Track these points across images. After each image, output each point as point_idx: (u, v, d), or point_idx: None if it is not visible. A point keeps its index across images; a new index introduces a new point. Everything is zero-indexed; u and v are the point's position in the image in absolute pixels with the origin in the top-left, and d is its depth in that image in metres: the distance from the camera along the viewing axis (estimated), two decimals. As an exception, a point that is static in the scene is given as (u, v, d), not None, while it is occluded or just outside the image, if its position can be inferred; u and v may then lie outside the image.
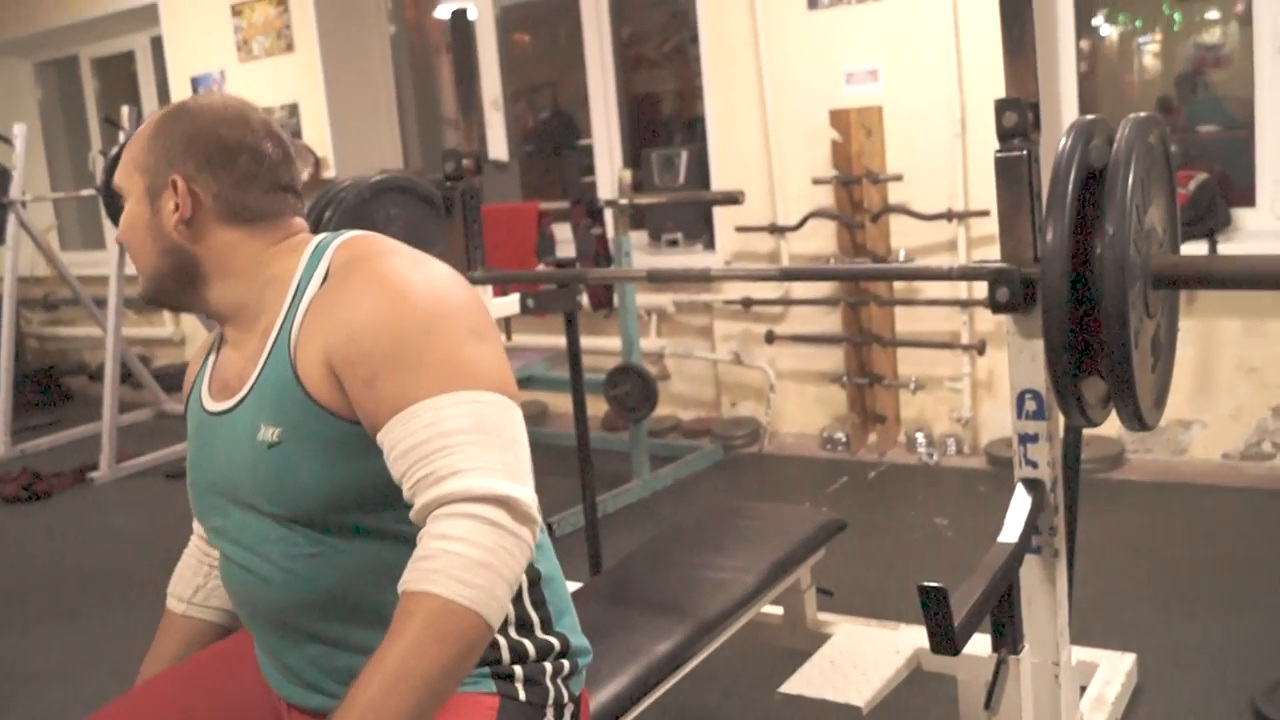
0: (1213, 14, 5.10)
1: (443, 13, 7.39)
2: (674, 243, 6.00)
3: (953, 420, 5.27)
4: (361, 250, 1.69)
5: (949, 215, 4.97)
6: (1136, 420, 2.04)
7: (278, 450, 1.60)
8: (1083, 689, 2.80)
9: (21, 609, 4.40)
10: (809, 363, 5.61)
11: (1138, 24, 5.33)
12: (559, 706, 1.73)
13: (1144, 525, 4.27)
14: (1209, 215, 4.61)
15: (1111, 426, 2.82)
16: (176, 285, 1.74)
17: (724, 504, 3.25)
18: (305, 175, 6.93)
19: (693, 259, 5.93)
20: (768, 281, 5.42)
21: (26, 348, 8.96)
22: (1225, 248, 4.60)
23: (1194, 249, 4.53)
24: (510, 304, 3.56)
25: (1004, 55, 2.20)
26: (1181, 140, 5.08)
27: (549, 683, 1.73)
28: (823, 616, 3.05)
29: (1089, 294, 1.95)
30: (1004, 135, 2.14)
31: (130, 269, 6.34)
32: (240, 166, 1.70)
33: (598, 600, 2.53)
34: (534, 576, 1.74)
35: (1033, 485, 2.23)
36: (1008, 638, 2.18)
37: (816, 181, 5.24)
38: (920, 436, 5.28)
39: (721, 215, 5.77)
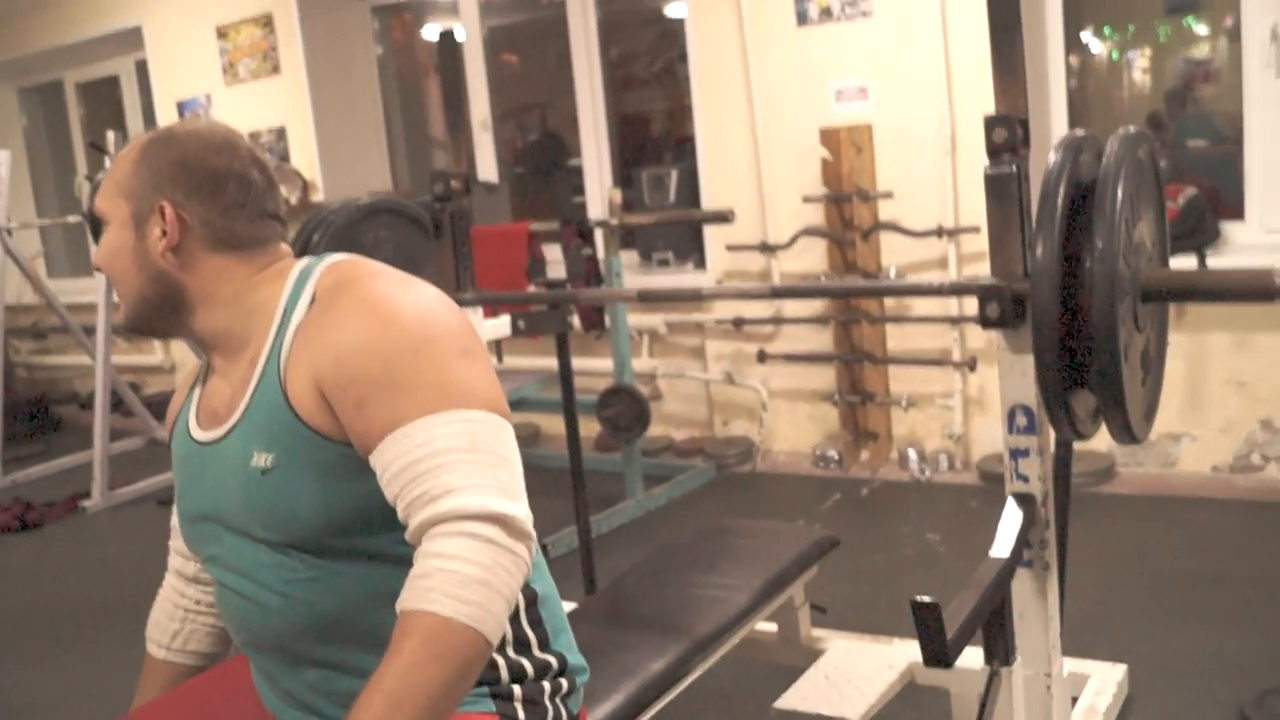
0: (1202, 29, 5.13)
1: (430, 34, 7.42)
2: (665, 262, 6.01)
3: (945, 436, 5.28)
4: (347, 273, 1.68)
5: (939, 232, 4.99)
6: (1126, 434, 2.05)
7: (271, 476, 1.59)
8: (1074, 700, 2.81)
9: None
10: (801, 381, 5.61)
11: (1127, 39, 5.35)
12: (558, 726, 1.73)
13: (1134, 538, 4.27)
14: (1198, 229, 4.63)
15: (1102, 440, 2.84)
16: (160, 313, 1.73)
17: (717, 523, 3.26)
18: (293, 199, 6.94)
19: (684, 278, 5.94)
20: (759, 300, 5.42)
21: (15, 377, 8.92)
22: (1214, 262, 4.62)
23: (1183, 263, 4.55)
24: (501, 325, 3.56)
25: (993, 72, 2.21)
26: (1171, 155, 5.10)
27: (547, 702, 1.73)
28: (816, 632, 3.05)
29: (1079, 309, 1.96)
30: (993, 151, 2.15)
31: (119, 297, 6.34)
32: (228, 194, 1.69)
33: (593, 620, 2.54)
34: (530, 596, 1.74)
35: (1024, 499, 2.24)
36: (1000, 650, 2.19)
37: (807, 199, 5.25)
38: (912, 453, 5.29)
39: (712, 234, 5.78)
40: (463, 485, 1.47)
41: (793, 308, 5.47)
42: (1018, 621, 2.27)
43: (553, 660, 1.75)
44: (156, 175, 1.68)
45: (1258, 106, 4.62)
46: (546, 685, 1.73)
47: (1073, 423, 2.07)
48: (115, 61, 8.44)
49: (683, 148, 6.38)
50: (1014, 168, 2.14)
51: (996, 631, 2.17)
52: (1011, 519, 2.19)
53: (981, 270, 4.76)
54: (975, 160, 3.91)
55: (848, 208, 5.15)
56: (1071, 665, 2.83)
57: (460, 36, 6.62)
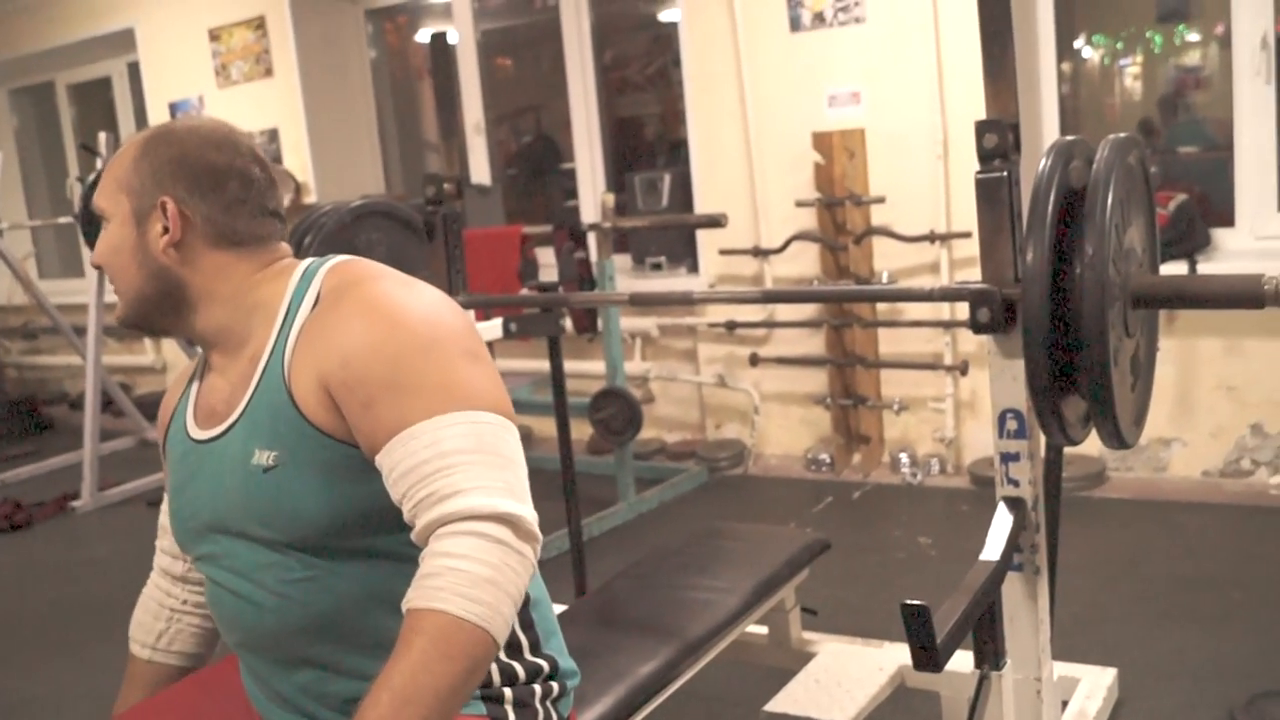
0: (1193, 36, 5.15)
1: (424, 37, 7.42)
2: (657, 266, 6.01)
3: (936, 440, 5.29)
4: (352, 275, 1.68)
5: (931, 237, 5.00)
6: (1116, 439, 2.06)
7: (274, 474, 1.59)
8: (1065, 704, 2.82)
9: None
10: (793, 385, 5.62)
11: (1119, 46, 5.37)
12: (548, 729, 1.74)
13: (1125, 542, 4.28)
14: (1188, 235, 4.64)
15: (1092, 445, 2.85)
16: (159, 309, 1.73)
17: (709, 525, 3.26)
18: (286, 201, 6.93)
19: (676, 282, 5.94)
20: (751, 304, 5.43)
21: (6, 377, 8.92)
22: (1205, 267, 4.63)
23: (1174, 269, 4.56)
24: (493, 328, 3.56)
25: (984, 77, 2.21)
26: (1161, 161, 5.12)
27: (538, 705, 1.73)
28: (807, 635, 3.06)
29: (1069, 314, 1.96)
30: (984, 157, 2.15)
31: (110, 297, 6.31)
32: (230, 191, 1.69)
33: (583, 622, 2.53)
34: (523, 599, 1.74)
35: (1014, 504, 2.24)
36: (990, 654, 2.19)
37: (799, 204, 5.26)
38: (904, 457, 5.29)
39: (705, 238, 5.79)
40: (471, 486, 1.47)
41: (785, 312, 5.48)
42: (1008, 625, 2.28)
43: (544, 664, 1.76)
44: (157, 172, 1.68)
45: (1248, 113, 4.64)
46: (538, 688, 1.74)
47: (1063, 428, 2.07)
48: (107, 63, 8.43)
49: (676, 152, 6.39)
50: (1005, 173, 2.14)
51: (987, 635, 2.17)
52: (1002, 523, 2.19)
53: (973, 275, 4.77)
54: (967, 165, 3.90)
55: (840, 212, 5.16)
56: (1062, 669, 2.83)
57: (453, 39, 6.63)
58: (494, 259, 5.00)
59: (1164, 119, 5.26)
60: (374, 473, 1.55)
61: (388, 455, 1.51)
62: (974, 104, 3.12)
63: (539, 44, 6.97)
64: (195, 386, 1.81)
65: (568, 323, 5.16)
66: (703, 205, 5.73)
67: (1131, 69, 5.41)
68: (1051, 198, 1.96)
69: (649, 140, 6.81)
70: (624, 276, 5.88)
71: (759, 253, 5.46)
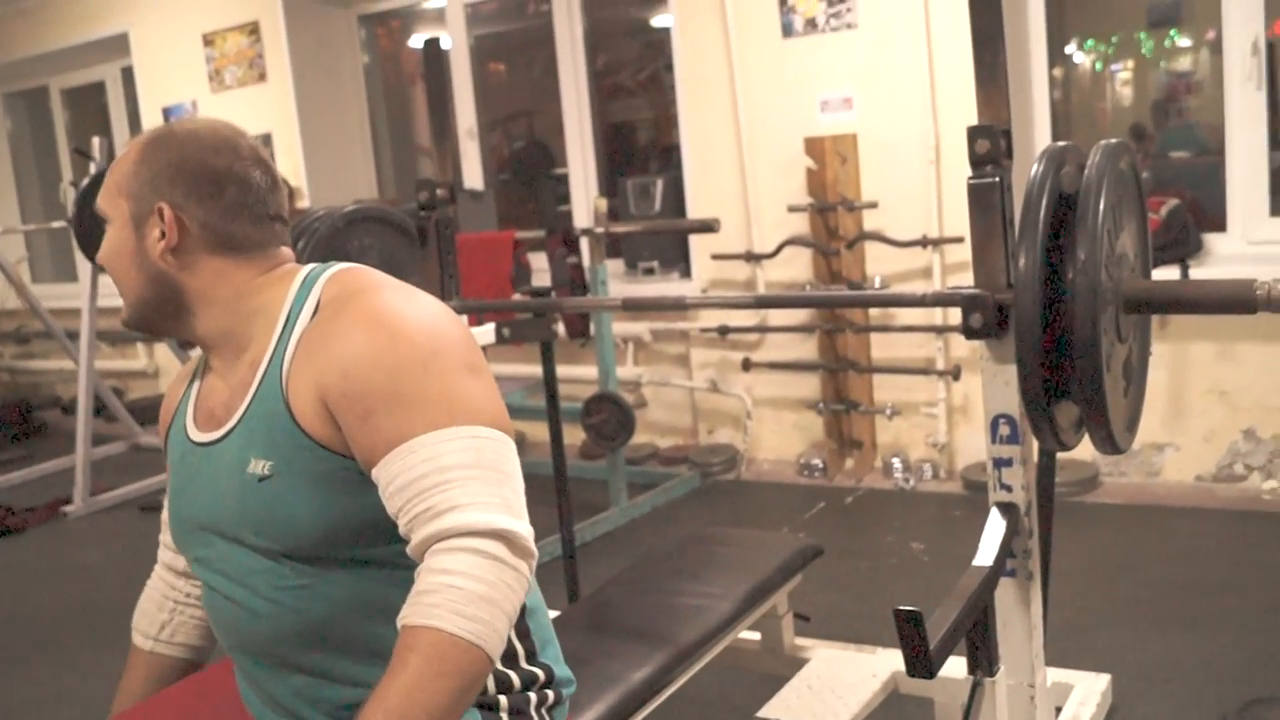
0: (1184, 42, 5.15)
1: (416, 42, 7.42)
2: (650, 271, 6.01)
3: (928, 445, 5.29)
4: (353, 284, 1.67)
5: (924, 242, 5.00)
6: (1109, 444, 2.05)
7: (269, 483, 1.59)
8: (1058, 710, 2.81)
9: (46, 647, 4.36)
10: (786, 389, 5.62)
11: (1109, 51, 5.37)
12: (543, 737, 1.73)
13: (1118, 547, 4.28)
14: (1181, 240, 4.65)
15: (1085, 450, 2.84)
16: (160, 313, 1.73)
17: (701, 531, 3.26)
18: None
19: (669, 287, 5.94)
20: (744, 309, 5.43)
21: (-1, 381, 8.93)
22: (1197, 272, 4.64)
23: (1166, 274, 4.56)
24: (486, 333, 3.55)
25: (976, 83, 2.22)
26: (1153, 166, 5.12)
27: (533, 713, 1.73)
28: (800, 641, 3.05)
29: (1062, 319, 1.96)
30: (976, 162, 2.16)
31: (103, 301, 6.34)
32: (228, 195, 1.68)
33: (576, 628, 2.53)
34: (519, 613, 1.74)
35: (1007, 509, 2.24)
36: (983, 660, 2.19)
37: (792, 209, 5.26)
38: (896, 462, 5.29)
39: (697, 243, 5.79)
40: (468, 502, 1.46)
41: (778, 316, 5.48)
42: (1001, 631, 2.27)
43: (539, 672, 1.75)
44: (155, 176, 1.67)
45: (1239, 118, 4.64)
46: (533, 696, 1.74)
47: (1056, 433, 2.07)
48: (101, 67, 8.44)
49: (668, 157, 6.38)
50: (997, 178, 2.14)
51: (980, 641, 2.17)
52: (995, 528, 2.19)
53: (965, 280, 4.78)
54: (959, 171, 3.90)
55: (832, 217, 5.16)
56: (1055, 675, 2.84)
57: (446, 44, 6.62)
58: (487, 264, 4.99)
59: (1155, 124, 5.27)
60: (368, 485, 1.54)
61: (385, 468, 1.51)
62: (966, 109, 3.13)
63: (532, 49, 6.97)
64: (196, 386, 1.80)
65: (560, 328, 5.16)
66: (695, 210, 5.73)
67: (1123, 74, 5.41)
68: (1044, 203, 1.96)
69: (641, 145, 6.81)
70: (616, 281, 5.88)
71: (751, 258, 5.46)
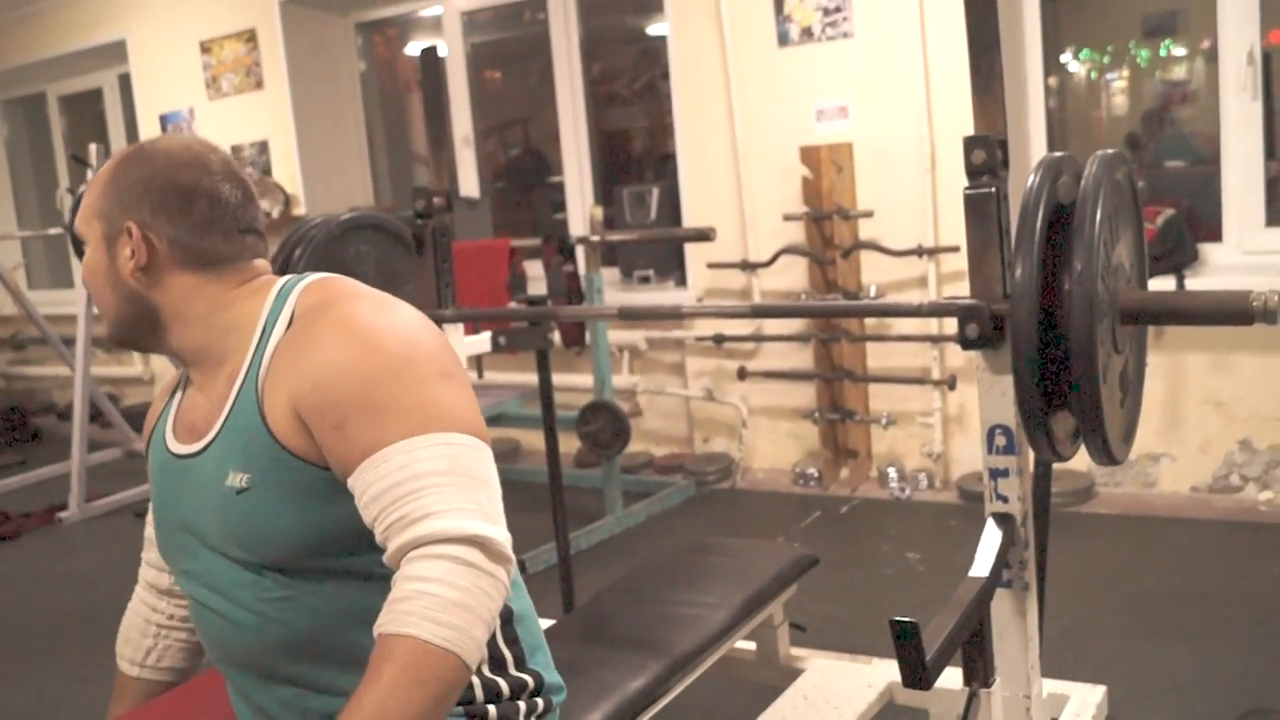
0: (1179, 51, 5.15)
1: (413, 50, 7.42)
2: (645, 279, 6.01)
3: (924, 455, 5.29)
4: (327, 294, 1.67)
5: (919, 251, 5.00)
6: (1105, 454, 2.05)
7: (246, 496, 1.59)
8: (1054, 721, 2.81)
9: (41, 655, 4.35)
10: (781, 398, 5.62)
11: (1105, 60, 5.37)
12: (533, 745, 1.73)
13: (1114, 558, 4.28)
14: (1176, 251, 4.65)
15: (1081, 460, 2.84)
16: (138, 330, 1.73)
17: (697, 540, 3.25)
18: (275, 213, 6.92)
19: (664, 295, 5.94)
20: (739, 318, 5.43)
21: (-6, 387, 8.92)
22: (1193, 283, 4.64)
23: (1162, 284, 4.57)
24: (482, 342, 3.55)
25: (972, 93, 2.21)
26: (1149, 176, 5.12)
27: None
28: (795, 652, 3.04)
29: (1058, 329, 1.96)
30: (973, 172, 2.15)
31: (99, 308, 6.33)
32: (197, 211, 1.68)
33: (571, 637, 2.52)
34: (506, 614, 1.73)
35: (1003, 520, 2.23)
36: (979, 671, 2.18)
37: (787, 218, 5.26)
38: (892, 471, 5.29)
39: (693, 252, 5.79)
40: (443, 508, 1.46)
41: (773, 325, 5.48)
42: (997, 642, 2.27)
43: (528, 679, 1.75)
44: (124, 195, 1.67)
45: (1235, 128, 4.65)
46: (522, 705, 1.73)
47: (1052, 444, 2.07)
48: (98, 74, 8.43)
49: (664, 165, 6.39)
50: (993, 188, 2.14)
51: (976, 652, 2.16)
52: (991, 539, 2.18)
53: (961, 289, 4.77)
54: (955, 180, 3.91)
55: (828, 226, 5.16)
56: (1051, 686, 2.82)
57: (443, 52, 6.63)
58: (482, 272, 4.99)
59: (1150, 133, 5.27)
60: (346, 495, 1.53)
61: (360, 477, 1.50)
62: (961, 118, 3.14)
63: (527, 57, 6.97)
64: (178, 398, 1.80)
65: (556, 336, 5.16)
66: (691, 219, 5.73)
67: (1118, 83, 5.42)
68: (1040, 213, 1.96)
69: (637, 154, 6.81)
70: (612, 290, 5.88)
71: (747, 266, 5.46)
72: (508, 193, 7.25)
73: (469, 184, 6.73)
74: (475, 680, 1.68)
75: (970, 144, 2.14)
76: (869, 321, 5.26)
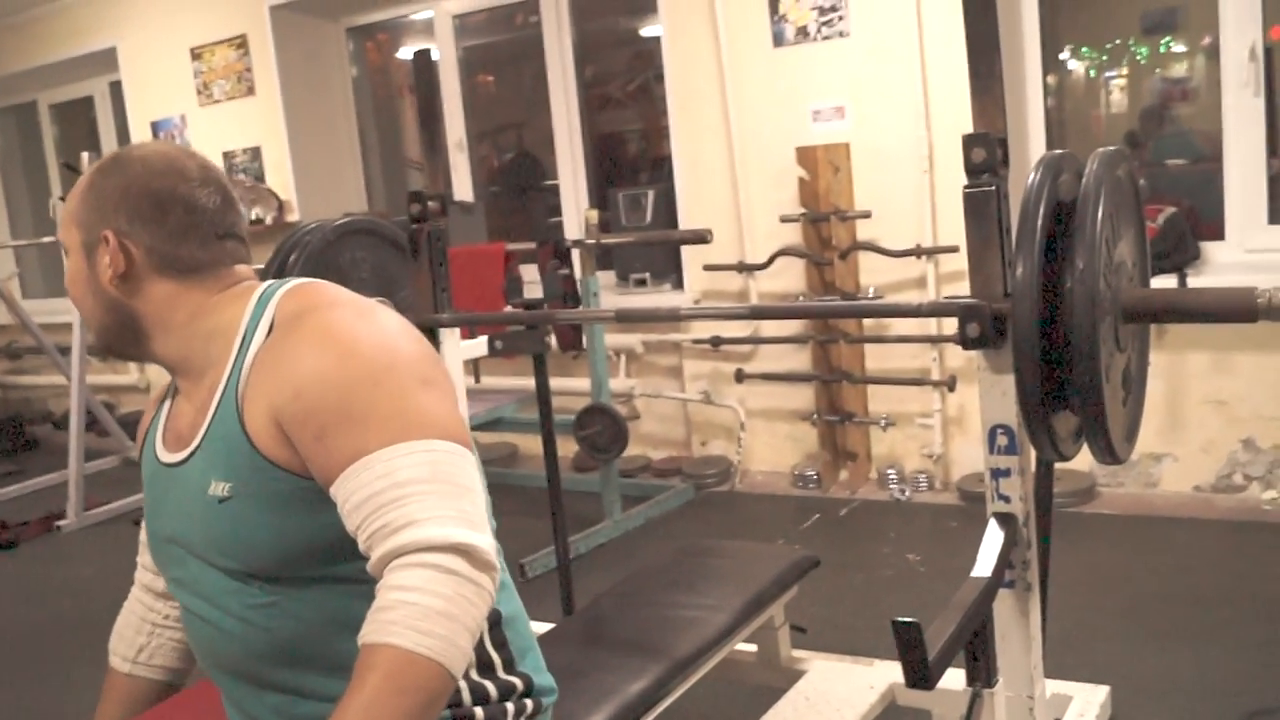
0: (1179, 48, 5.13)
1: (405, 54, 7.41)
2: (642, 282, 6.00)
3: (924, 456, 5.27)
4: (307, 302, 1.66)
5: (918, 251, 4.99)
6: (1108, 454, 2.04)
7: (228, 505, 1.58)
8: (1057, 722, 2.80)
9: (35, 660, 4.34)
10: (779, 401, 5.60)
11: (1104, 58, 5.36)
12: (522, 747, 1.72)
13: (1116, 558, 4.27)
14: (1178, 249, 4.64)
15: (1083, 460, 2.83)
16: (121, 339, 1.73)
17: (696, 543, 3.24)
18: (269, 219, 6.92)
19: (661, 298, 5.93)
20: (737, 320, 5.41)
21: (-11, 396, 8.90)
22: (1195, 281, 4.62)
23: (1163, 283, 4.55)
24: (478, 346, 3.54)
25: (971, 91, 2.20)
26: (1150, 174, 5.10)
27: None
28: (797, 654, 3.03)
29: (1060, 328, 1.95)
30: (972, 171, 2.14)
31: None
32: (173, 219, 1.66)
33: (570, 641, 2.52)
34: (494, 618, 1.72)
35: (1005, 520, 2.22)
36: (982, 672, 2.17)
37: (784, 219, 5.24)
38: (892, 473, 5.28)
39: (689, 254, 5.78)
40: (425, 516, 1.44)
41: (771, 327, 5.47)
42: (999, 643, 2.26)
43: (518, 682, 1.74)
44: (101, 203, 1.67)
45: (1236, 125, 4.63)
46: (510, 707, 1.72)
47: (1054, 443, 2.05)
48: (90, 82, 8.43)
49: (659, 167, 6.38)
50: (993, 187, 2.12)
51: (979, 653, 2.15)
52: (993, 539, 2.17)
53: (960, 290, 4.76)
54: (953, 179, 3.90)
55: (825, 227, 5.15)
56: (1054, 686, 2.81)
57: (435, 56, 6.62)
58: (478, 276, 4.98)
59: (1150, 131, 5.25)
60: (328, 504, 1.52)
61: (341, 486, 1.49)
62: (959, 117, 3.11)
63: (521, 61, 6.96)
64: (167, 406, 1.80)
65: (552, 340, 5.14)
66: (687, 221, 5.71)
67: (1117, 81, 5.40)
68: (1041, 211, 1.95)
69: (632, 156, 6.79)
70: (608, 293, 5.86)
71: (744, 268, 5.45)
72: (502, 197, 7.24)
73: (463, 188, 6.72)
74: (463, 685, 1.67)
75: (970, 142, 2.13)
76: (867, 323, 5.25)
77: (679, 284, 5.96)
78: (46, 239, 7.12)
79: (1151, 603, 3.82)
